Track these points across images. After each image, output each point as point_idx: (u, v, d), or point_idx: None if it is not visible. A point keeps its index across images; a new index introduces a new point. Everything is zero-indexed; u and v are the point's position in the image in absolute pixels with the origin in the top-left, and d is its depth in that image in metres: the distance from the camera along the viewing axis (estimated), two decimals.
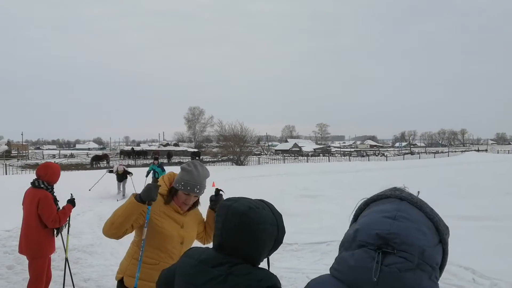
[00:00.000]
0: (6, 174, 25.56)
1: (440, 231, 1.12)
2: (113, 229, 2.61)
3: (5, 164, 30.81)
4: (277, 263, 6.53)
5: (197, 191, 2.77)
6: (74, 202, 4.83)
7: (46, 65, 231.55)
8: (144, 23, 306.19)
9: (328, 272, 1.21)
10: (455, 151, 69.63)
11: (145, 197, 2.63)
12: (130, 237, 7.32)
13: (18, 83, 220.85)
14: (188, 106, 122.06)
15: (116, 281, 2.83)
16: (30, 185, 4.59)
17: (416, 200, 1.15)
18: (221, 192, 3.02)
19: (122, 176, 15.75)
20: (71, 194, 4.90)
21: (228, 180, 20.18)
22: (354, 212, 1.26)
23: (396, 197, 1.16)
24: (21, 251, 4.59)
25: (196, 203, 2.94)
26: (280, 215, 1.72)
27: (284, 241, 6.71)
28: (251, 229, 1.60)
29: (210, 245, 1.77)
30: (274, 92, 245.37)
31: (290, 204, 12.51)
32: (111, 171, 16.19)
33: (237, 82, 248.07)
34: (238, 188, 17.24)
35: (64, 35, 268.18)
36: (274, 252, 1.70)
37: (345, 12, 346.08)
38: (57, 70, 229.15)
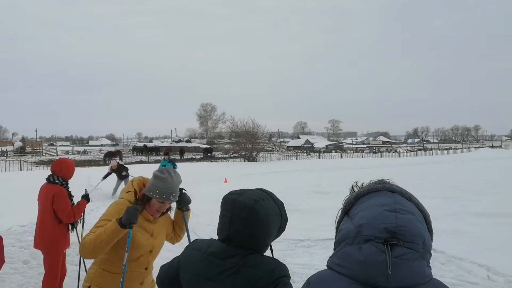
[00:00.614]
0: (21, 170, 25.90)
1: (427, 219, 1.17)
2: (95, 254, 2.57)
3: (20, 160, 31.22)
4: (289, 259, 6.53)
5: (173, 199, 2.75)
6: (89, 197, 4.88)
7: (58, 63, 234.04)
8: (156, 21, 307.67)
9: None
10: (469, 147, 68.80)
11: (126, 221, 2.52)
12: None
13: (31, 81, 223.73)
14: (200, 102, 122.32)
15: None
16: (45, 181, 4.64)
17: (405, 192, 1.20)
18: (184, 191, 3.02)
19: (120, 173, 14.15)
20: (86, 190, 4.95)
21: (240, 177, 20.23)
22: (343, 206, 1.27)
23: (386, 190, 1.20)
24: (36, 246, 4.65)
25: (169, 209, 2.91)
26: (282, 204, 1.77)
27: (296, 237, 6.77)
28: (260, 222, 1.64)
29: (212, 236, 1.78)
30: (286, 88, 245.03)
31: (302, 200, 12.50)
32: (107, 176, 13.48)
33: (249, 78, 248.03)
34: (250, 184, 17.22)
35: (75, 34, 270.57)
36: (287, 248, 1.73)
37: (358, 8, 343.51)
38: (70, 68, 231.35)
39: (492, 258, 6.27)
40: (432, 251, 1.15)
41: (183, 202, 3.01)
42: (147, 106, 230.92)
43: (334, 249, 1.22)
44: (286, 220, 1.77)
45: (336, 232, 1.27)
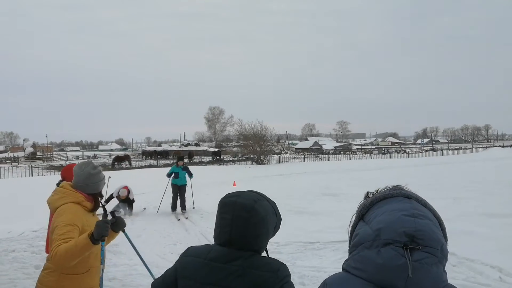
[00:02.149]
0: (32, 175, 26.18)
1: (442, 226, 1.19)
2: (66, 264, 2.64)
3: (31, 165, 31.56)
4: (299, 261, 6.53)
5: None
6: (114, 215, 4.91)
7: (67, 68, 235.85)
8: (163, 25, 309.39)
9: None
10: (479, 147, 68.25)
11: (98, 236, 2.61)
12: (152, 236, 7.33)
13: (41, 87, 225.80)
14: (208, 106, 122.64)
15: None
16: (56, 186, 4.69)
17: (421, 198, 1.22)
18: (117, 214, 3.28)
19: (125, 201, 11.75)
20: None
21: (249, 179, 20.24)
22: (358, 211, 1.29)
23: (402, 195, 1.22)
24: (48, 251, 4.70)
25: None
26: (274, 203, 1.80)
27: (306, 239, 6.76)
28: (260, 222, 1.67)
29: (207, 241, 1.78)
30: (293, 90, 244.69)
31: (311, 202, 12.48)
32: (109, 199, 11.39)
33: (257, 81, 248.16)
34: (259, 187, 17.25)
35: (84, 38, 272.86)
36: (297, 251, 1.74)
37: (365, 7, 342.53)
38: (78, 73, 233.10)
39: (504, 259, 6.20)
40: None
41: (120, 225, 3.12)
42: (155, 110, 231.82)
43: (350, 253, 1.24)
44: (280, 219, 1.82)
45: (351, 237, 1.29)
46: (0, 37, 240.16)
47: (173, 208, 11.79)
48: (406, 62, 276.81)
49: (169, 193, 12.06)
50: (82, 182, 2.97)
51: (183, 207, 11.84)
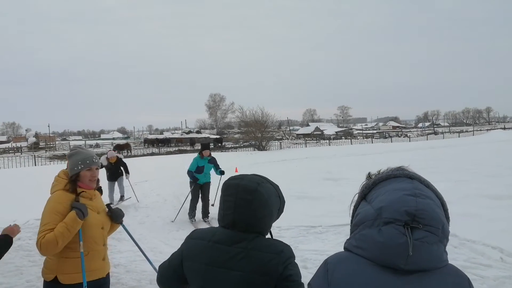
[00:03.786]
0: (35, 165, 26.24)
1: (445, 207, 1.20)
2: (57, 250, 2.72)
3: (34, 155, 31.64)
4: (301, 245, 6.58)
5: (96, 161, 3.02)
6: (101, 190, 4.95)
7: (68, 58, 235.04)
8: (162, 12, 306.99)
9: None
10: (480, 130, 68.06)
11: (82, 216, 2.79)
12: (156, 222, 7.38)
13: (42, 77, 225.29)
14: (209, 93, 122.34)
15: (45, 281, 2.88)
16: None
17: (423, 179, 1.23)
18: (112, 206, 3.28)
19: (116, 171, 10.91)
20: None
21: (251, 166, 20.27)
22: (360, 191, 1.30)
23: (405, 176, 1.23)
24: None
25: (100, 188, 3.21)
26: (277, 186, 1.82)
27: (308, 223, 6.79)
28: (264, 203, 1.69)
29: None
30: (294, 76, 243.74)
31: (313, 187, 12.52)
32: (108, 205, 8.06)
33: (257, 67, 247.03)
34: (261, 173, 17.26)
35: (82, 27, 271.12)
36: (299, 235, 1.75)
37: None
38: (78, 62, 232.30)
39: (505, 240, 6.25)
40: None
41: (118, 215, 3.18)
42: (156, 98, 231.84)
43: (351, 232, 1.25)
44: (284, 202, 1.83)
45: (352, 216, 1.30)
46: (1, 28, 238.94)
47: (192, 214, 9.08)
48: (406, 46, 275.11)
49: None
50: (68, 166, 3.00)
51: (206, 213, 9.11)
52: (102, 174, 9.23)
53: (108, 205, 3.19)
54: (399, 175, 1.23)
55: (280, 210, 1.81)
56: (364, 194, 1.28)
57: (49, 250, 2.66)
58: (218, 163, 9.46)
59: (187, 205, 9.22)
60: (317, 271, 1.25)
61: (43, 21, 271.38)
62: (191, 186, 9.26)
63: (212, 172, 9.45)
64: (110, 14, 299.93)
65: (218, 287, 1.65)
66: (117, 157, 11.09)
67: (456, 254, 5.88)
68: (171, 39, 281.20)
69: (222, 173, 9.23)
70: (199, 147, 9.83)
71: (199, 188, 9.17)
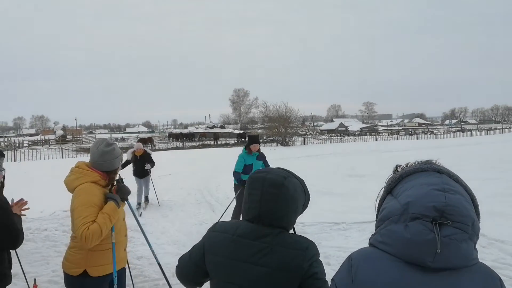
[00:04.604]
0: (62, 157, 26.83)
1: (475, 202, 1.15)
2: (99, 240, 2.77)
3: (61, 148, 32.38)
4: (324, 242, 6.52)
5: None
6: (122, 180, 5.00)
7: (95, 53, 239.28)
8: (186, 6, 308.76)
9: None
10: (510, 128, 66.14)
11: (125, 195, 3.05)
12: (179, 216, 7.38)
13: (69, 71, 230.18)
14: (233, 88, 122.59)
15: (72, 276, 2.87)
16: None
17: (453, 173, 1.18)
18: (122, 178, 3.25)
19: (142, 166, 9.80)
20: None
21: (274, 161, 20.21)
22: (387, 185, 1.25)
23: (433, 170, 1.18)
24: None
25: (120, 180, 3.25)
26: (303, 181, 1.77)
27: (331, 220, 6.69)
28: (290, 198, 1.65)
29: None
30: (319, 71, 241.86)
31: (337, 183, 12.41)
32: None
33: (281, 62, 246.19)
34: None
35: (111, 23, 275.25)
36: (322, 231, 1.71)
37: None
38: (106, 57, 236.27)
39: None
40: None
41: (126, 192, 3.13)
42: (181, 93, 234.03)
43: (377, 227, 1.21)
44: (309, 197, 1.79)
45: (378, 211, 1.26)
46: (33, 26, 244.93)
47: None
48: (434, 41, 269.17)
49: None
50: (96, 160, 2.99)
51: None
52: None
53: (117, 181, 3.18)
54: (427, 169, 1.18)
55: (305, 205, 1.77)
56: (391, 188, 1.23)
57: (94, 240, 2.70)
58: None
59: (230, 210, 7.62)
60: (341, 267, 1.22)
61: (71, 16, 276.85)
62: (236, 191, 7.56)
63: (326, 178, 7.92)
64: (136, 8, 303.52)
65: (242, 282, 1.63)
66: (145, 150, 10.24)
67: (485, 254, 5.72)
68: (196, 33, 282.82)
69: (266, 165, 7.58)
70: (247, 140, 7.72)
71: (243, 190, 6.92)
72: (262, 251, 1.61)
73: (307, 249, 1.61)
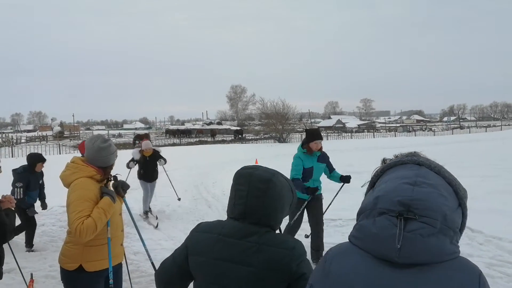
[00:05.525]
0: (60, 153, 26.76)
1: (459, 195, 1.11)
2: (94, 235, 2.76)
3: (59, 144, 32.29)
4: None
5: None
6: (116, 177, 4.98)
7: (92, 49, 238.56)
8: (182, 2, 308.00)
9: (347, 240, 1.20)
10: (509, 125, 66.35)
11: (126, 187, 3.17)
12: (176, 212, 7.40)
13: (67, 68, 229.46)
14: (230, 84, 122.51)
15: (68, 271, 2.87)
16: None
17: (434, 165, 1.14)
18: (117, 174, 3.26)
19: (152, 168, 8.71)
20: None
21: (271, 158, 20.22)
22: (371, 178, 1.24)
23: (413, 162, 1.15)
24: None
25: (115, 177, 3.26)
26: (290, 180, 1.74)
27: (328, 216, 6.68)
28: (277, 195, 1.61)
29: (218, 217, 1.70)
30: (316, 68, 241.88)
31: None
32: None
33: (278, 59, 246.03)
34: (281, 165, 17.22)
35: (108, 19, 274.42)
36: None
37: None
38: (102, 53, 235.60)
39: None
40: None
41: (124, 187, 3.19)
42: (178, 89, 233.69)
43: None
44: (296, 197, 1.75)
45: None
46: (29, 22, 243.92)
47: None
48: (432, 38, 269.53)
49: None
50: (92, 156, 2.98)
51: (319, 245, 5.77)
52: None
53: (114, 177, 3.19)
54: (407, 161, 1.16)
55: (291, 205, 1.73)
56: (373, 182, 1.22)
57: (89, 235, 2.69)
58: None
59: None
60: (317, 266, 1.21)
61: (68, 14, 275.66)
62: (299, 207, 5.48)
63: (323, 177, 6.26)
64: (130, 5, 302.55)
65: (228, 282, 1.58)
66: (154, 149, 8.80)
67: (482, 251, 5.74)
68: (193, 30, 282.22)
69: (345, 179, 6.25)
70: (305, 136, 5.88)
71: (306, 206, 5.63)
72: (249, 250, 1.56)
73: (294, 248, 1.58)
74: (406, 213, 1.02)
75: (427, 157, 1.19)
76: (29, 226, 6.36)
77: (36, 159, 6.50)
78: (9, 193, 3.17)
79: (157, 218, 8.16)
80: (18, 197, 6.03)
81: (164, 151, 9.75)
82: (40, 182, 6.68)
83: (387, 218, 1.05)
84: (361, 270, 1.06)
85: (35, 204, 6.53)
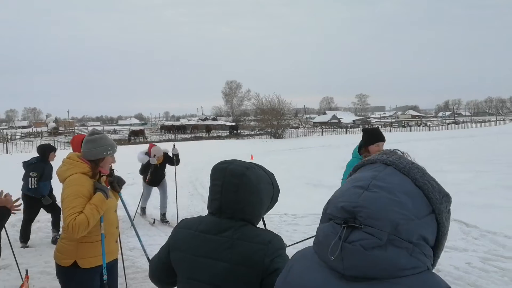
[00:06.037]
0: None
1: (432, 200, 0.96)
2: (87, 231, 2.75)
3: (54, 140, 32.17)
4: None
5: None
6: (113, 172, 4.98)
7: (86, 45, 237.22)
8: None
9: None
10: (504, 120, 66.68)
11: (122, 183, 3.25)
12: (171, 208, 7.38)
13: (61, 63, 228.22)
14: (225, 80, 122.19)
15: (63, 267, 2.88)
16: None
17: (404, 165, 0.99)
18: (113, 169, 3.24)
19: (161, 172, 8.29)
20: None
21: (266, 153, 20.25)
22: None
23: (382, 162, 1.03)
24: None
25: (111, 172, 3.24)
26: (272, 174, 1.72)
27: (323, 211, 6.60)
28: (251, 189, 1.59)
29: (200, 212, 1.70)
30: (311, 63, 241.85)
31: (329, 176, 12.40)
32: (147, 167, 7.98)
33: (274, 55, 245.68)
34: (276, 160, 17.26)
35: (102, 15, 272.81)
36: (313, 223, 1.68)
37: None
38: (97, 49, 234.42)
39: None
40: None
41: (121, 181, 3.24)
42: (174, 85, 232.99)
43: None
44: (278, 190, 1.72)
45: None
46: (23, 17, 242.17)
47: None
48: (426, 33, 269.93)
49: None
50: (82, 150, 3.00)
51: None
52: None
53: (111, 172, 3.18)
54: (376, 161, 1.04)
55: (273, 199, 1.71)
56: None
57: (81, 231, 2.68)
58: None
59: None
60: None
61: (60, 8, 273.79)
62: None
63: None
64: (125, 2, 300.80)
65: (204, 278, 1.57)
66: (165, 153, 8.14)
67: (477, 246, 5.77)
68: (188, 26, 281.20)
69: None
70: (363, 137, 5.04)
71: None
72: (223, 246, 1.56)
73: (270, 242, 1.54)
74: (352, 221, 0.93)
75: (409, 155, 1.06)
76: (54, 211, 6.59)
77: (48, 149, 6.69)
78: (8, 189, 3.13)
79: (154, 222, 8.01)
80: (32, 187, 6.20)
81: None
82: (52, 173, 6.70)
83: (332, 225, 0.97)
84: (315, 280, 0.99)
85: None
